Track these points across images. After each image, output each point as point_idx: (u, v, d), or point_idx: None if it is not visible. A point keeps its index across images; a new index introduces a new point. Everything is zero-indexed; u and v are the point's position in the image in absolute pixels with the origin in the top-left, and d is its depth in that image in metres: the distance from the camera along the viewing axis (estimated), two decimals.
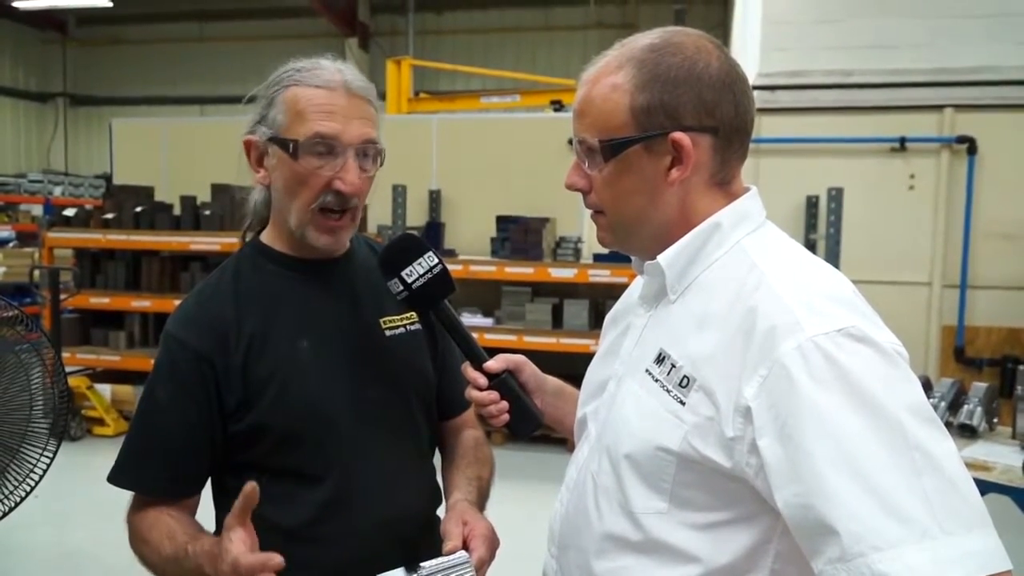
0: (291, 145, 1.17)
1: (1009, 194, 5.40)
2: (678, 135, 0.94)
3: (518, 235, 5.45)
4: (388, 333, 1.31)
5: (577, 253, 5.51)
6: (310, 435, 1.22)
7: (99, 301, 5.85)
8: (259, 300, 1.25)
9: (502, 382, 1.17)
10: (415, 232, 1.25)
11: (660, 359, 0.97)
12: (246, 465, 1.24)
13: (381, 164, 1.24)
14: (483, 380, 1.17)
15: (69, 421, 5.15)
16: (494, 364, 1.18)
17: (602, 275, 5.18)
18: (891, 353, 0.84)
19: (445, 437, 1.44)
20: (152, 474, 1.23)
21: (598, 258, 5.42)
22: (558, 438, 5.10)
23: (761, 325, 0.87)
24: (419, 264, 1.17)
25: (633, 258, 1.10)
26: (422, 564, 1.03)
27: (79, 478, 4.44)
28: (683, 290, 1.00)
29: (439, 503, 1.37)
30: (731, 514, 0.93)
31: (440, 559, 1.04)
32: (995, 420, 2.79)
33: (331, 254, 1.28)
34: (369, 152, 1.21)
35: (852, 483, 0.78)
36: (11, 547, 3.61)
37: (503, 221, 5.65)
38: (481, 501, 1.29)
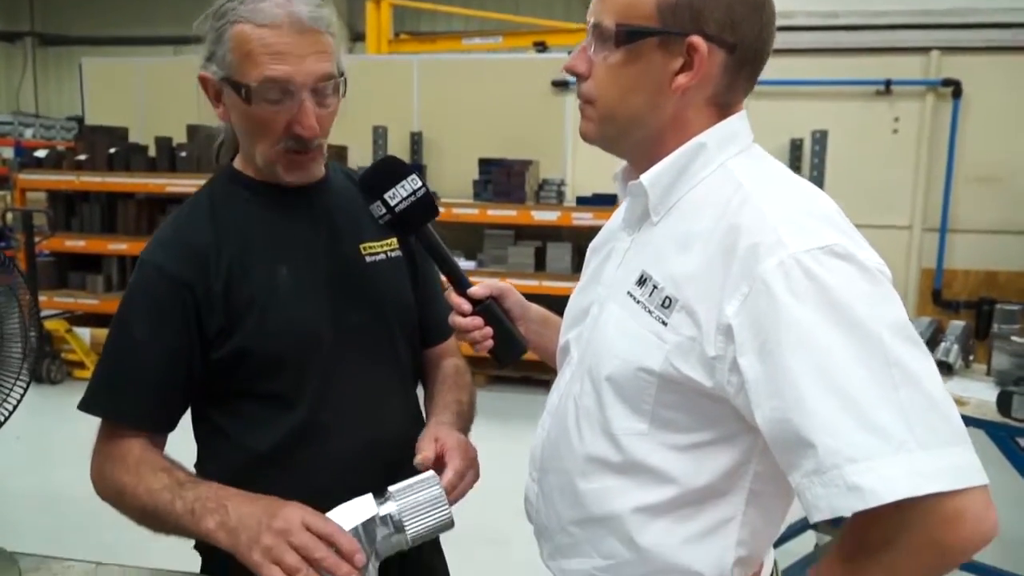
0: (243, 90, 1.12)
1: (992, 137, 5.40)
2: (697, 39, 0.91)
3: (501, 178, 5.40)
4: (368, 259, 1.29)
5: (560, 196, 5.48)
6: (292, 359, 1.21)
7: (75, 244, 5.76)
8: (236, 227, 1.22)
9: (486, 308, 1.16)
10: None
11: (642, 281, 0.96)
12: (226, 393, 1.23)
13: (344, 94, 1.19)
14: (467, 306, 1.16)
15: (49, 365, 5.13)
16: (478, 290, 1.17)
17: (585, 218, 5.15)
18: (874, 271, 0.84)
19: (427, 366, 1.43)
20: (128, 402, 1.19)
21: (581, 201, 5.39)
22: (540, 380, 5.15)
23: (744, 243, 0.86)
24: (402, 187, 1.15)
25: (617, 180, 1.08)
26: (389, 488, 1.03)
27: (60, 420, 4.42)
28: (666, 211, 0.98)
29: (420, 430, 1.37)
30: (711, 435, 0.93)
31: (406, 481, 1.03)
32: (971, 358, 2.83)
33: (303, 184, 1.25)
34: (328, 88, 1.16)
35: (829, 397, 0.78)
36: None
37: (486, 164, 5.59)
38: (461, 423, 1.29)
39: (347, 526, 0.98)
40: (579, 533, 1.03)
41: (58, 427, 4.38)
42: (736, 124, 0.99)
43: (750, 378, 0.84)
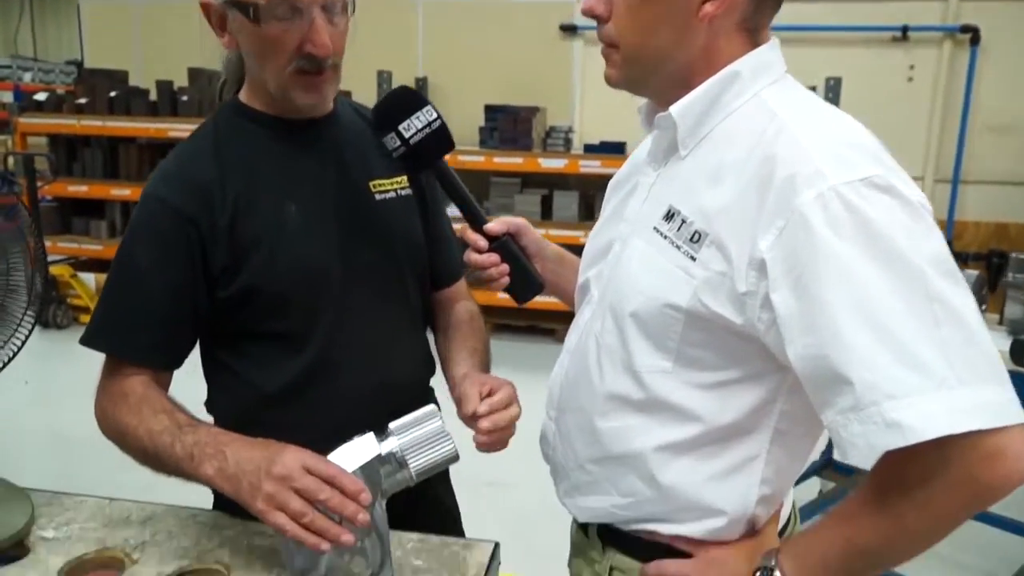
0: (251, 9, 1.07)
1: (1009, 86, 5.28)
2: None
3: (507, 125, 5.32)
4: (378, 197, 1.26)
5: (568, 143, 5.40)
6: (299, 299, 1.18)
7: (77, 189, 5.71)
8: (242, 161, 1.18)
9: (503, 245, 1.13)
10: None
11: (669, 216, 0.93)
12: (234, 334, 1.21)
13: (353, 11, 1.14)
14: (483, 242, 1.13)
15: (55, 310, 5.13)
16: (495, 226, 1.14)
17: (593, 166, 5.08)
18: (915, 204, 0.81)
19: (437, 309, 1.41)
20: (131, 337, 1.16)
21: (589, 149, 5.32)
22: (545, 328, 5.14)
23: (780, 174, 0.82)
24: (417, 118, 1.11)
25: (641, 112, 1.04)
26: (389, 426, 1.01)
27: (67, 365, 4.45)
28: (695, 144, 0.94)
29: (432, 372, 1.36)
30: (737, 373, 0.91)
31: (406, 417, 1.01)
32: (983, 307, 2.81)
33: (315, 113, 1.21)
34: (337, 6, 1.11)
35: (868, 332, 0.76)
36: (3, 431, 3.64)
37: (492, 110, 5.49)
38: (479, 366, 1.27)
39: (349, 467, 0.96)
40: (597, 471, 1.02)
41: (65, 371, 4.40)
42: (769, 54, 0.94)
43: (783, 314, 0.81)
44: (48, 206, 5.84)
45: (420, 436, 0.99)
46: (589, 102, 5.70)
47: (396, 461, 0.98)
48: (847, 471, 3.02)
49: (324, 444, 1.03)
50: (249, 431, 1.11)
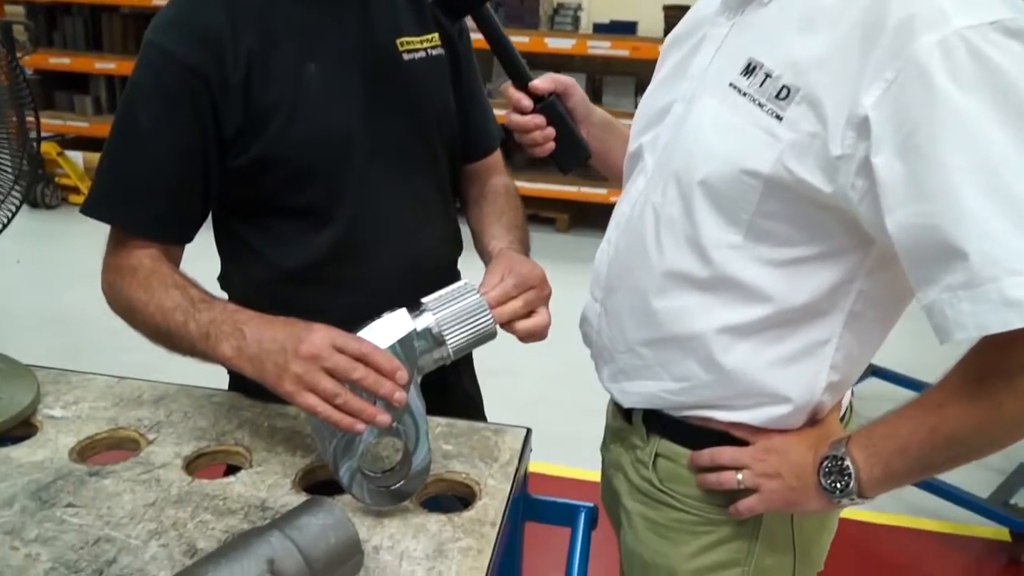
0: None
1: None
2: None
3: (514, 0, 5.04)
4: (406, 57, 1.13)
5: (576, 22, 5.12)
6: (321, 169, 1.07)
7: (59, 62, 5.42)
8: (255, 9, 1.04)
9: (549, 105, 1.02)
10: None
11: (749, 69, 0.82)
12: (251, 205, 1.10)
13: None
14: (527, 102, 1.02)
15: (43, 189, 4.98)
16: (541, 83, 1.02)
17: (602, 47, 4.83)
18: None
19: (469, 183, 1.30)
20: (137, 208, 1.06)
21: (598, 28, 5.05)
22: (546, 218, 5.03)
23: (893, 16, 0.71)
24: None
25: None
26: (423, 300, 0.93)
27: (62, 245, 4.36)
28: None
29: (460, 251, 1.27)
30: (815, 249, 0.82)
31: (440, 291, 0.93)
32: None
33: None
34: None
35: (991, 200, 0.67)
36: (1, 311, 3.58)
37: None
38: (523, 249, 1.16)
39: (383, 344, 0.88)
40: (649, 354, 0.94)
41: (60, 252, 4.31)
42: None
43: (885, 179, 0.71)
44: (30, 79, 5.57)
45: (457, 311, 0.91)
46: None
47: (432, 337, 0.90)
48: None
49: (348, 326, 0.95)
50: (267, 311, 1.03)
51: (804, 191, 0.78)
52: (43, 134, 5.11)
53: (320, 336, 0.88)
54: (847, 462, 0.81)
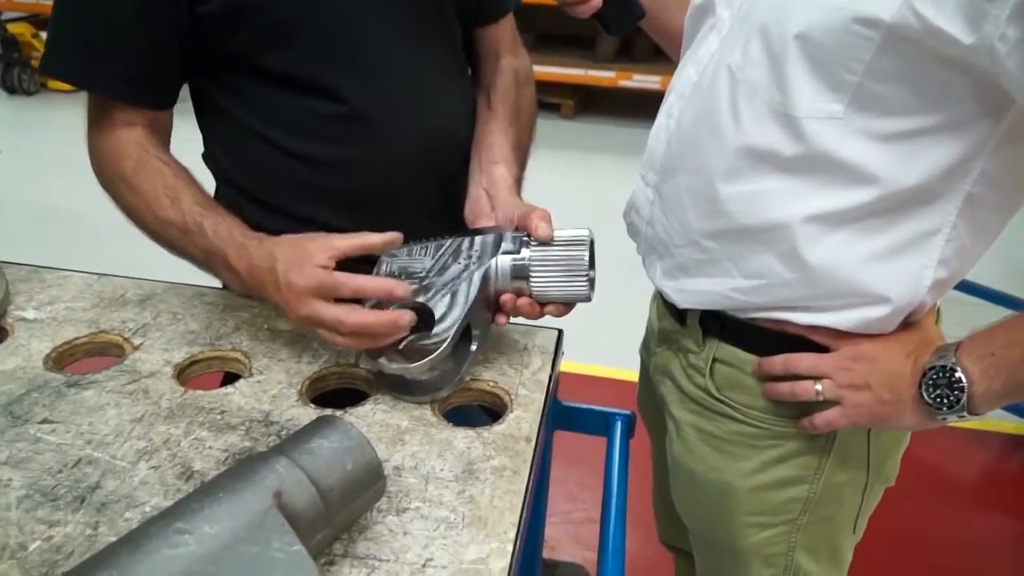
0: None
1: None
2: None
3: None
4: None
5: None
6: (307, 26, 0.90)
7: None
8: None
9: None
10: None
11: None
12: (231, 66, 0.93)
13: None
14: None
15: (20, 73, 4.71)
16: None
17: None
18: None
19: (478, 59, 1.12)
20: (103, 64, 0.89)
21: None
22: (551, 104, 4.77)
23: None
24: None
25: None
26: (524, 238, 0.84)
27: (42, 134, 4.14)
28: None
29: (474, 124, 1.11)
30: (934, 119, 0.67)
31: (559, 231, 0.83)
32: None
33: None
34: None
35: None
36: None
37: None
38: (522, 173, 1.03)
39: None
40: (716, 248, 0.80)
41: (43, 141, 4.09)
42: None
43: None
44: None
45: (556, 259, 0.81)
46: None
47: (520, 271, 0.82)
48: None
49: (353, 212, 0.86)
50: (265, 192, 0.92)
51: (933, 44, 0.62)
52: (15, 14, 4.75)
53: (300, 297, 0.78)
54: (958, 373, 0.68)
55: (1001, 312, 2.26)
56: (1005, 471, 2.24)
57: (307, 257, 0.78)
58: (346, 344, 0.79)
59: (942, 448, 2.30)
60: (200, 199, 0.89)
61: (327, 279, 0.77)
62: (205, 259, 0.87)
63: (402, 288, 0.78)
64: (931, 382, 0.70)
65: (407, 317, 0.77)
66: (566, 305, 0.84)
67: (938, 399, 0.70)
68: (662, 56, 1.20)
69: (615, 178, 3.41)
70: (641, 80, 4.38)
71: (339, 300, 0.79)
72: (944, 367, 0.69)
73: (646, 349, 1.05)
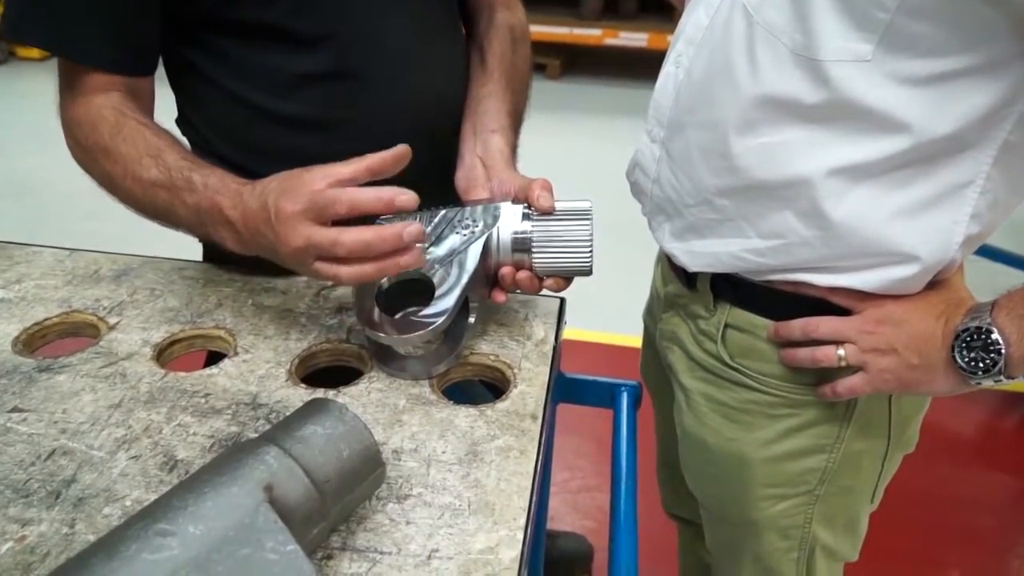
0: None
1: None
2: None
3: None
4: None
5: None
6: None
7: None
8: None
9: None
10: None
11: None
12: (205, 21, 0.86)
13: None
14: None
15: None
16: None
17: None
18: None
19: (471, 10, 1.06)
20: (77, 27, 0.82)
21: None
22: (536, 63, 4.66)
23: None
24: None
25: None
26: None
27: (11, 105, 4.01)
28: None
29: (467, 83, 1.04)
30: (970, 60, 0.62)
31: (560, 203, 0.79)
32: None
33: None
34: None
35: None
36: None
37: None
38: (516, 140, 0.97)
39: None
40: (730, 206, 0.75)
41: (13, 112, 3.96)
42: None
43: None
44: None
45: (559, 232, 0.77)
46: None
47: (522, 243, 0.78)
48: None
49: None
50: (244, 158, 0.85)
51: None
52: None
53: (293, 247, 0.71)
54: (995, 335, 0.64)
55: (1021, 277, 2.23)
56: (1000, 428, 2.23)
57: (302, 183, 0.71)
58: (350, 276, 0.71)
59: (936, 404, 2.28)
60: (186, 155, 0.82)
61: (318, 196, 0.69)
62: (197, 218, 0.79)
63: (405, 196, 0.70)
64: (964, 344, 0.66)
65: (413, 227, 0.69)
66: (566, 279, 0.79)
67: (972, 363, 0.66)
68: (649, 13, 1.13)
69: (604, 139, 3.35)
70: (628, 38, 4.29)
71: None
72: (979, 328, 0.65)
73: (650, 315, 1.01)
